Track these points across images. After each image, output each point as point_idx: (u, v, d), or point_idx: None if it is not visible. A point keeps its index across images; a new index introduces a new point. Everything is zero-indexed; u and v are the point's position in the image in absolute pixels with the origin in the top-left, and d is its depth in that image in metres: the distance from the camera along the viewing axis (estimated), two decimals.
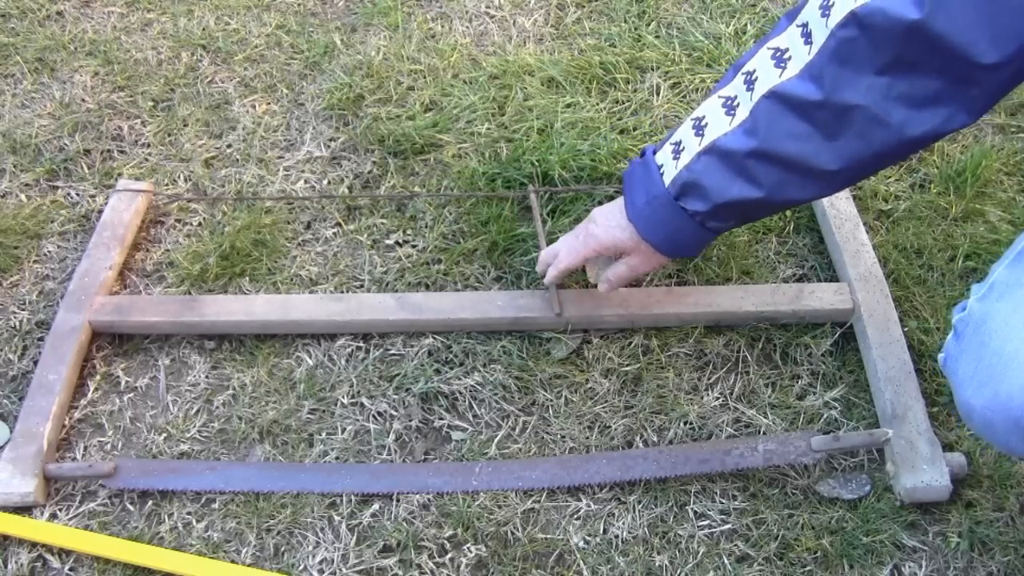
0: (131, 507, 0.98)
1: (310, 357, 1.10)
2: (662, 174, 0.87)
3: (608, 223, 0.95)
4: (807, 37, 0.75)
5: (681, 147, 0.86)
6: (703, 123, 0.84)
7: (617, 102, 1.36)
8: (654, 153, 0.89)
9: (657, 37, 1.45)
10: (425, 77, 1.40)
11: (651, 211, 0.89)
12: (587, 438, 1.03)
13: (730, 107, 0.81)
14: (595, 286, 1.13)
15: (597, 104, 1.36)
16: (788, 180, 0.80)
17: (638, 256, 0.95)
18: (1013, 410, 0.66)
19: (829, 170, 0.78)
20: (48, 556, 0.94)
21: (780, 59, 0.77)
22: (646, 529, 0.96)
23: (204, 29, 1.49)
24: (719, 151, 0.82)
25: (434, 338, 1.10)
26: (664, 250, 0.92)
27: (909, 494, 0.95)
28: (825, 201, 1.19)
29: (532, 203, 1.19)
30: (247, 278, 1.17)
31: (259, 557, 0.95)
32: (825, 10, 0.73)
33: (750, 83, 0.80)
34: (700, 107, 0.86)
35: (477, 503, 0.98)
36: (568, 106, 1.35)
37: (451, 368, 1.08)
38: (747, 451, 0.99)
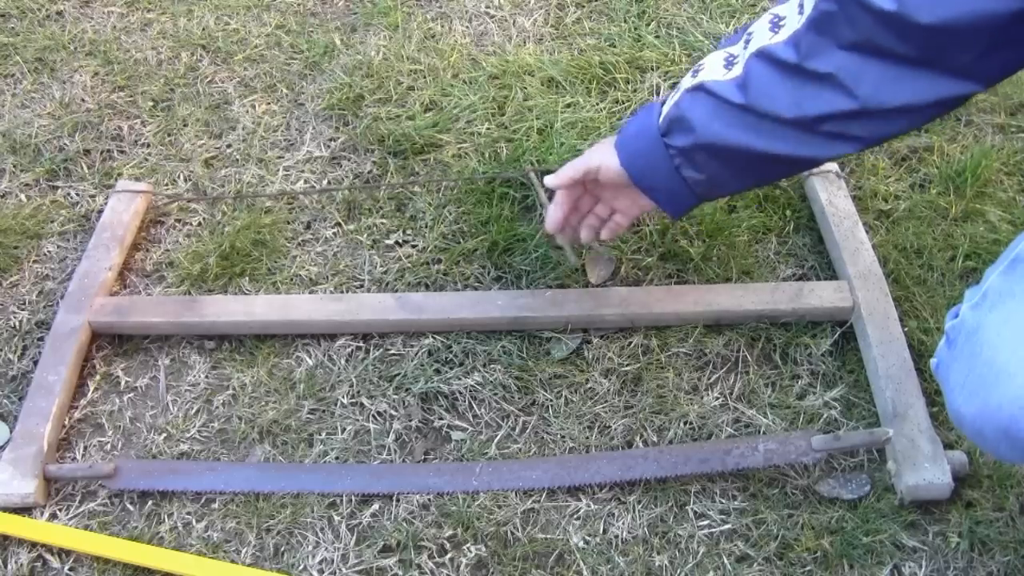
0: (131, 507, 0.98)
1: (310, 357, 1.10)
2: (659, 115, 0.89)
3: (602, 145, 0.96)
4: (801, 8, 0.78)
5: (678, 88, 0.89)
6: (700, 68, 0.87)
7: (617, 102, 1.36)
8: (662, 104, 0.92)
9: (657, 37, 1.45)
10: (425, 77, 1.40)
11: (635, 142, 0.91)
12: (587, 438, 1.03)
13: (729, 63, 0.84)
14: (596, 286, 1.13)
15: (597, 104, 1.36)
16: (761, 130, 0.82)
17: (623, 195, 0.97)
18: (1002, 420, 0.67)
19: (790, 118, 0.80)
20: (48, 556, 0.94)
21: (776, 24, 0.80)
22: (646, 529, 0.96)
23: (204, 29, 1.49)
24: (706, 90, 0.84)
25: (434, 338, 1.10)
26: (638, 182, 0.92)
27: (911, 492, 0.95)
28: (824, 199, 1.19)
29: (532, 180, 1.19)
30: (247, 278, 1.17)
31: (259, 557, 0.95)
32: None
33: (747, 43, 0.83)
34: (705, 58, 0.88)
35: (477, 503, 0.98)
36: (568, 106, 1.34)
37: (451, 368, 1.08)
38: (747, 451, 0.99)
